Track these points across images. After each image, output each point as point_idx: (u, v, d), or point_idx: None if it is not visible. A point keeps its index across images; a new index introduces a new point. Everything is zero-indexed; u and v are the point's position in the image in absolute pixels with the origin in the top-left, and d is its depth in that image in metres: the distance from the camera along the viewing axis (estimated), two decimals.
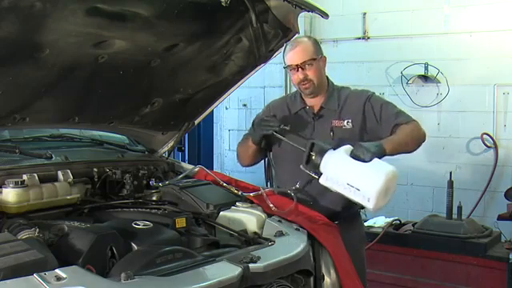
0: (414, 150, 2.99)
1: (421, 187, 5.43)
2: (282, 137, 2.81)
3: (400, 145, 2.85)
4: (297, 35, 2.82)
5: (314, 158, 2.60)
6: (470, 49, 5.17)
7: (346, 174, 2.52)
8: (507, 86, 5.03)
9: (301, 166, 2.66)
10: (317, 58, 2.97)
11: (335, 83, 3.14)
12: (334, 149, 2.60)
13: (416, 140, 2.97)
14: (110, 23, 2.13)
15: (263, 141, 2.98)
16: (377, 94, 3.15)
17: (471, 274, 4.05)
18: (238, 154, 3.24)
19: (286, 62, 3.01)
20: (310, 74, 2.96)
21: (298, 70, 2.96)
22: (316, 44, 3.04)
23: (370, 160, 2.52)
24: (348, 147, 2.59)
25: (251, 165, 3.24)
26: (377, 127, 2.97)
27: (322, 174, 2.59)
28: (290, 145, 2.80)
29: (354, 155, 2.54)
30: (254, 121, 3.24)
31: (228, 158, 6.58)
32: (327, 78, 3.11)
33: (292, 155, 2.83)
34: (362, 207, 3.14)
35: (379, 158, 2.58)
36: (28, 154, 2.46)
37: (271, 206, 2.64)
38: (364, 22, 5.72)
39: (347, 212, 3.00)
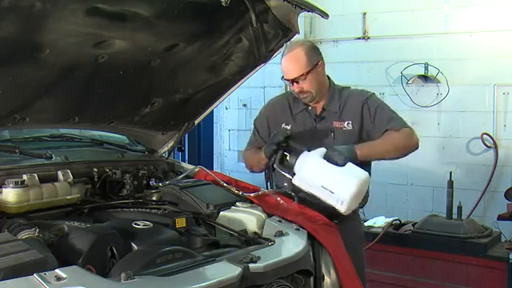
0: (399, 157, 3.00)
1: (421, 187, 5.44)
2: (283, 172, 2.75)
3: (376, 151, 2.88)
4: (296, 35, 2.82)
5: (288, 158, 2.67)
6: (470, 49, 5.18)
7: (320, 176, 2.60)
8: (507, 85, 5.04)
9: (274, 165, 2.70)
10: (311, 69, 2.92)
11: (335, 83, 3.13)
12: (309, 150, 2.65)
13: (401, 148, 2.95)
14: (110, 23, 2.13)
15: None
16: (377, 94, 3.15)
17: (471, 274, 4.06)
18: (247, 162, 3.22)
19: (282, 73, 2.99)
20: (306, 86, 2.94)
21: (293, 84, 2.95)
22: (310, 52, 2.95)
23: (344, 164, 2.60)
24: (322, 150, 2.65)
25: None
26: (371, 130, 2.98)
27: (295, 174, 2.65)
28: None
29: (328, 158, 2.61)
30: (255, 121, 3.24)
31: (228, 157, 6.58)
32: (328, 78, 3.09)
33: None
34: (362, 206, 3.17)
35: (352, 162, 2.64)
36: (28, 154, 2.46)
37: (278, 199, 2.68)
38: (364, 22, 5.72)
39: None
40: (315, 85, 2.96)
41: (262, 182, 3.21)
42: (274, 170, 2.83)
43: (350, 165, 2.61)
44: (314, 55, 2.97)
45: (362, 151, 2.78)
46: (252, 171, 3.23)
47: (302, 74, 2.91)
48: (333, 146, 2.79)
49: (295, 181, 2.65)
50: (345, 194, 2.56)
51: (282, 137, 2.73)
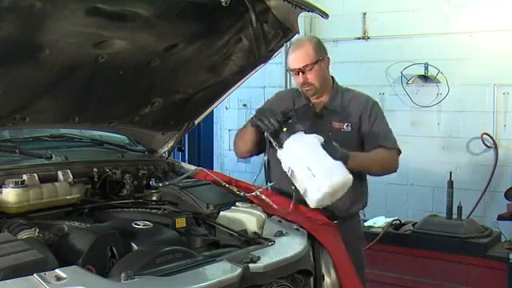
0: (377, 175, 3.13)
1: (421, 187, 5.44)
2: (272, 140, 2.72)
3: (365, 165, 2.94)
4: (297, 35, 2.82)
5: (284, 130, 2.65)
6: (470, 49, 5.18)
7: (311, 157, 2.56)
8: (507, 85, 5.04)
9: (265, 133, 2.68)
10: (317, 61, 2.97)
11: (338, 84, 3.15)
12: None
13: (383, 169, 3.07)
14: (110, 23, 2.13)
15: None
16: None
17: (471, 274, 4.06)
18: (235, 143, 3.19)
19: (288, 65, 3.04)
20: (310, 77, 2.97)
21: (298, 74, 2.98)
22: (318, 46, 3.03)
23: (336, 159, 2.58)
24: (320, 137, 2.63)
25: (247, 155, 3.20)
26: (367, 136, 3.03)
27: (283, 148, 2.63)
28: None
29: (323, 146, 2.59)
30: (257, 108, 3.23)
31: (228, 157, 6.58)
32: (332, 78, 3.13)
33: None
34: (362, 207, 3.18)
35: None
36: (28, 154, 2.45)
37: (271, 203, 2.67)
38: (364, 22, 5.72)
39: (347, 212, 3.01)
40: (319, 78, 2.99)
41: (262, 183, 3.21)
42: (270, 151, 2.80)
43: (340, 163, 2.59)
44: (321, 50, 3.04)
45: (352, 162, 2.76)
46: (240, 155, 3.21)
47: (308, 64, 2.95)
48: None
49: (281, 153, 2.63)
50: (326, 182, 2.50)
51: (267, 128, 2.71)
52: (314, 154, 2.57)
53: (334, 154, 2.59)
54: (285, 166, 2.64)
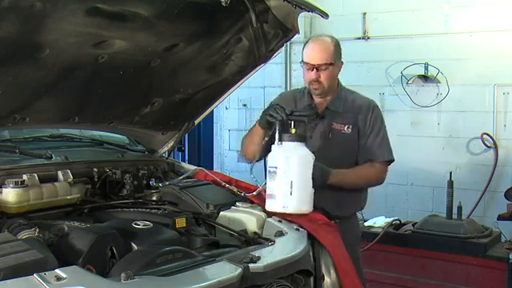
0: (363, 188, 3.14)
1: (421, 187, 5.44)
2: (277, 129, 2.68)
3: (348, 182, 2.93)
4: (296, 35, 2.82)
5: (291, 129, 2.62)
6: (470, 49, 5.17)
7: (299, 176, 2.56)
8: (507, 86, 5.03)
9: (276, 122, 2.62)
10: (334, 63, 2.97)
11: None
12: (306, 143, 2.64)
13: (371, 183, 3.12)
14: (110, 23, 2.13)
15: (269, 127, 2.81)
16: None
17: (471, 274, 4.06)
18: (242, 146, 3.13)
19: (304, 58, 3.00)
20: (323, 76, 2.96)
21: (312, 70, 2.96)
22: (338, 48, 3.02)
23: (315, 185, 2.60)
24: (313, 156, 2.61)
25: (255, 159, 3.03)
26: (359, 148, 3.03)
27: (281, 144, 2.60)
28: None
29: (313, 167, 2.59)
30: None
31: (228, 157, 6.59)
32: (337, 80, 3.13)
33: None
34: (361, 209, 3.19)
35: (321, 185, 2.67)
36: (28, 154, 2.46)
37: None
38: (364, 22, 5.72)
39: (341, 212, 3.03)
40: (330, 80, 2.99)
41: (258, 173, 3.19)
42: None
43: (312, 192, 2.60)
44: (339, 53, 3.04)
45: (336, 178, 2.79)
46: (244, 158, 3.15)
47: (326, 63, 2.94)
48: (328, 145, 2.93)
49: (276, 147, 2.59)
50: (294, 208, 2.54)
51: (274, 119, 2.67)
52: (303, 176, 2.57)
53: (317, 178, 2.60)
54: (271, 161, 2.59)
